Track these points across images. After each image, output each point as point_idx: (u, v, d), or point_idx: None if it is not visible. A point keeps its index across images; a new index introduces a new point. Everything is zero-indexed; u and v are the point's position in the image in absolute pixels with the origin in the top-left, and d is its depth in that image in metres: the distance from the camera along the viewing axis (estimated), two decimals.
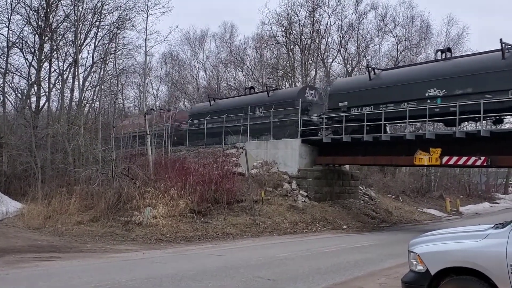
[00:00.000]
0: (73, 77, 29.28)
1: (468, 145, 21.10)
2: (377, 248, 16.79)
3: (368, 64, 29.86)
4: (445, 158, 21.19)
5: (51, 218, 19.87)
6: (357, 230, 23.11)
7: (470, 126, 27.33)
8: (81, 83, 29.07)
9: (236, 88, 52.31)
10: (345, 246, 17.03)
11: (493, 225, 7.09)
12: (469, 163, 20.76)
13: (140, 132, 33.65)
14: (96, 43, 30.96)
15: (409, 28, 48.34)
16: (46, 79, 29.45)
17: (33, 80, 28.66)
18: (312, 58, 47.31)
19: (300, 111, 26.53)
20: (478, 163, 20.39)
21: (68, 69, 29.79)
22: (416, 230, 22.09)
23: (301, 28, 46.36)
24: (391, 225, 26.19)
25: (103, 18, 30.28)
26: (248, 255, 14.66)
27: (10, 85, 29.88)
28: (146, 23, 27.87)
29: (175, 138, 34.07)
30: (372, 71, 24.82)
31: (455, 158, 20.98)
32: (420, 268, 6.97)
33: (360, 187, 30.19)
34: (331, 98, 26.35)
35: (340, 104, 24.99)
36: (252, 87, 37.98)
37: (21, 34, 28.86)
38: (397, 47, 47.20)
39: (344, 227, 23.29)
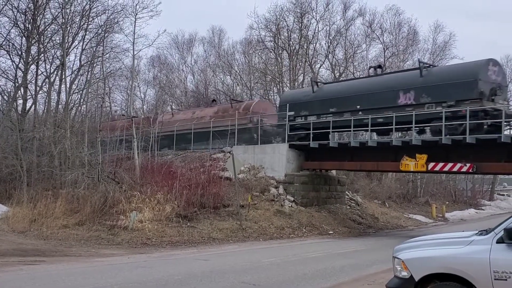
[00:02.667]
0: (60, 80, 29.08)
1: (454, 151, 21.28)
2: (363, 254, 16.86)
3: None
4: (431, 164, 21.35)
5: (36, 222, 19.67)
6: (343, 235, 23.18)
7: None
8: (68, 86, 28.87)
9: (224, 93, 52.29)
10: (331, 252, 17.09)
11: (477, 231, 7.16)
12: (455, 169, 20.93)
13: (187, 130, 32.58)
14: (84, 46, 30.79)
15: (396, 34, 48.72)
16: (33, 81, 29.23)
17: (19, 82, 28.41)
18: (300, 64, 47.44)
19: (287, 109, 26.54)
20: (464, 169, 20.57)
21: (55, 72, 29.57)
22: (402, 236, 22.21)
23: (289, 34, 46.55)
24: (377, 231, 26.30)
25: (91, 21, 30.12)
26: (234, 260, 14.64)
27: None
28: (134, 27, 27.59)
29: (255, 135, 28.78)
30: None
31: (441, 164, 21.15)
32: (404, 274, 7.03)
33: (346, 192, 30.30)
34: None
35: None
36: (380, 66, 27.60)
37: (8, 36, 28.61)
38: (384, 53, 47.53)
39: (331, 232, 23.35)
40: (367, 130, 24.44)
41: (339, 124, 24.37)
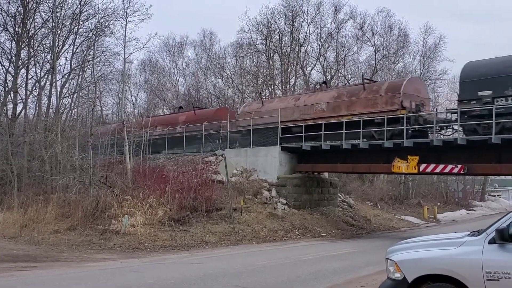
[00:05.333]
0: (51, 84, 28.92)
1: (445, 153, 21.38)
2: (356, 256, 16.88)
3: None
4: (422, 166, 21.43)
5: (27, 227, 19.56)
6: (336, 237, 23.20)
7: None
8: (58, 90, 28.72)
9: (216, 96, 52.24)
10: (324, 254, 17.08)
11: (469, 232, 7.18)
12: (446, 170, 21.03)
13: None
14: (74, 49, 30.66)
15: (387, 37, 48.90)
16: (23, 86, 29.05)
17: (9, 87, 28.23)
18: (292, 66, 47.53)
19: (279, 115, 26.46)
20: (455, 170, 20.67)
21: (46, 76, 29.44)
22: (394, 238, 22.26)
23: (280, 36, 46.63)
24: (370, 232, 26.34)
25: (81, 24, 30.01)
26: (227, 263, 14.61)
27: None
28: (125, 30, 27.45)
29: (410, 131, 21.67)
30: None
31: (432, 166, 21.24)
32: (397, 275, 7.03)
33: (339, 194, 30.32)
34: None
35: None
36: None
37: None
38: (375, 56, 47.67)
39: (323, 234, 23.36)
40: None
41: None
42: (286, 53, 46.62)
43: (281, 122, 26.66)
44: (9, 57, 28.55)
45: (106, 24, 29.90)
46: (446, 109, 22.90)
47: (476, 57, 67.49)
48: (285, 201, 25.41)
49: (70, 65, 30.60)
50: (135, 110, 57.73)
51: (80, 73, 30.86)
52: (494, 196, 58.24)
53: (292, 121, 26.50)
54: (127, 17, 26.81)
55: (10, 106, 29.07)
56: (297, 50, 46.89)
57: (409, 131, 21.62)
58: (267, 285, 11.18)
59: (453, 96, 35.54)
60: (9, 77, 28.54)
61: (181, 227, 20.30)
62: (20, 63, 28.10)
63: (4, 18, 27.84)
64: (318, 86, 29.07)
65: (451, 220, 37.81)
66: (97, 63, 31.28)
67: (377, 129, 22.51)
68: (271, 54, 47.28)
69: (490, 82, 19.42)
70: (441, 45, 49.91)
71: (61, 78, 30.37)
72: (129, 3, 28.41)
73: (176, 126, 33.81)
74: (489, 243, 6.39)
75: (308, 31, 46.91)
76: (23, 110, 29.41)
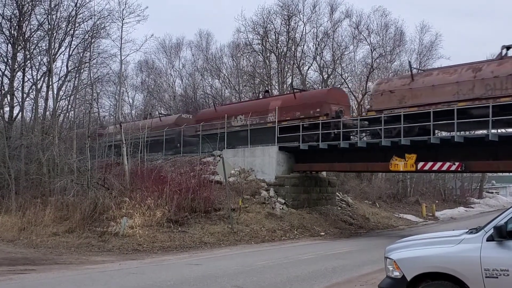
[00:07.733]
0: (47, 87, 28.88)
1: (442, 150, 21.40)
2: (355, 255, 16.87)
3: None
4: (420, 164, 21.44)
5: (26, 230, 19.56)
6: (335, 236, 23.21)
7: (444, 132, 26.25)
8: (55, 92, 28.69)
9: (213, 96, 52.27)
10: (323, 253, 17.08)
11: (467, 230, 7.20)
12: (444, 168, 21.04)
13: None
14: (71, 52, 30.61)
15: (383, 35, 48.88)
16: (20, 88, 29.03)
17: (6, 89, 28.20)
18: (288, 66, 47.56)
19: (276, 115, 26.47)
20: (453, 168, 20.68)
21: (42, 79, 29.38)
22: (393, 236, 22.27)
23: (277, 36, 46.69)
24: (368, 231, 26.35)
25: (77, 27, 29.96)
26: (226, 264, 14.60)
27: None
28: (121, 32, 27.47)
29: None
30: None
31: (430, 164, 21.25)
32: (396, 274, 7.04)
33: (337, 193, 30.32)
34: None
35: None
36: None
37: None
38: (372, 54, 47.61)
39: (322, 233, 23.36)
40: None
41: None
42: (283, 53, 46.67)
43: (450, 102, 19.38)
44: (5, 60, 28.53)
45: (102, 26, 29.88)
46: None
47: (472, 54, 67.94)
48: (283, 201, 25.41)
49: (67, 67, 30.57)
50: (132, 112, 57.78)
51: (77, 75, 30.82)
52: (492, 193, 58.41)
53: (471, 100, 19.06)
54: (123, 19, 26.81)
55: (7, 109, 29.05)
56: (293, 49, 46.93)
57: None
58: (267, 285, 11.17)
59: None
60: (6, 80, 28.54)
61: (179, 228, 20.29)
62: (16, 66, 28.07)
63: (0, 21, 27.82)
64: (505, 50, 20.04)
65: (450, 218, 37.86)
66: (94, 65, 31.29)
67: None
68: (268, 54, 47.33)
69: None
70: (437, 43, 49.97)
71: (58, 81, 30.34)
72: (125, 4, 28.61)
73: (266, 114, 27.82)
74: (487, 240, 6.40)
75: (304, 31, 47.02)
76: (20, 113, 29.39)
